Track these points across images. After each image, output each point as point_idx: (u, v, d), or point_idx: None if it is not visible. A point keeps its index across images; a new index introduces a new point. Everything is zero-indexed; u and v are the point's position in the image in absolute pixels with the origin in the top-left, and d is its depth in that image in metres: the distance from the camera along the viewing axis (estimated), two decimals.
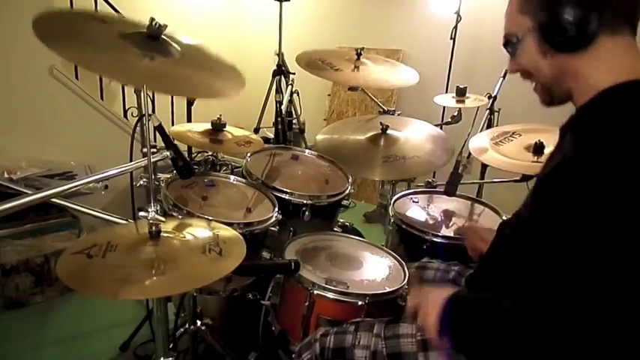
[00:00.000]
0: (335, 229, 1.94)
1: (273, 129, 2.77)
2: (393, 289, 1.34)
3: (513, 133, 1.85)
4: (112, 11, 3.16)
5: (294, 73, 3.07)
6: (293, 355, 1.23)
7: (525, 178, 1.74)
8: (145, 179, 1.63)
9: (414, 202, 1.91)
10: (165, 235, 1.10)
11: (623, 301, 0.68)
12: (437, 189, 1.97)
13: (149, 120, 1.25)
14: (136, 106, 1.59)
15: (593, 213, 0.69)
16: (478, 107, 2.47)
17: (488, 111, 2.43)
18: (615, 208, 0.68)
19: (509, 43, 0.92)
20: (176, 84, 1.26)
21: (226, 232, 1.21)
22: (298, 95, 3.22)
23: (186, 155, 1.80)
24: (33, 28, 1.04)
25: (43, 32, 1.06)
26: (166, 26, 1.26)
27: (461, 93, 2.51)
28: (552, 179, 0.78)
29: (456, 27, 3.20)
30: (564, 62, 0.85)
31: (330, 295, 1.31)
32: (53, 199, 1.16)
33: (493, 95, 2.43)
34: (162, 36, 1.27)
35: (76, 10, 1.20)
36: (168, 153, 1.29)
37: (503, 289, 0.86)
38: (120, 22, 1.32)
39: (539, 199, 0.81)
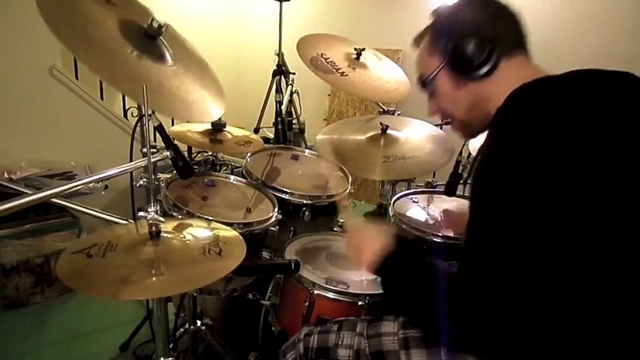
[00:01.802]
0: (335, 229, 1.94)
1: (273, 129, 2.77)
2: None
3: None
4: None
5: (294, 73, 3.07)
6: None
7: None
8: (145, 179, 1.63)
9: (414, 202, 1.90)
10: (165, 235, 1.10)
11: (548, 265, 0.77)
12: (437, 189, 1.97)
13: (149, 120, 1.25)
14: (136, 106, 1.59)
15: (512, 184, 0.78)
16: None
17: None
18: (529, 176, 0.77)
19: (425, 84, 1.02)
20: (157, 96, 1.22)
21: (226, 232, 1.21)
22: (298, 95, 3.22)
23: (186, 155, 1.80)
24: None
25: (46, 9, 1.05)
26: (166, 26, 1.26)
27: None
28: (482, 171, 0.86)
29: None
30: (477, 89, 0.96)
31: (331, 295, 1.31)
32: (53, 199, 1.16)
33: None
34: (161, 38, 1.26)
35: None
36: (168, 153, 1.29)
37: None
38: (125, 8, 1.31)
39: (474, 188, 0.89)
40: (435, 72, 0.99)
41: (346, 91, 2.04)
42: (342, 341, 1.08)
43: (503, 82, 0.92)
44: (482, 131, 0.99)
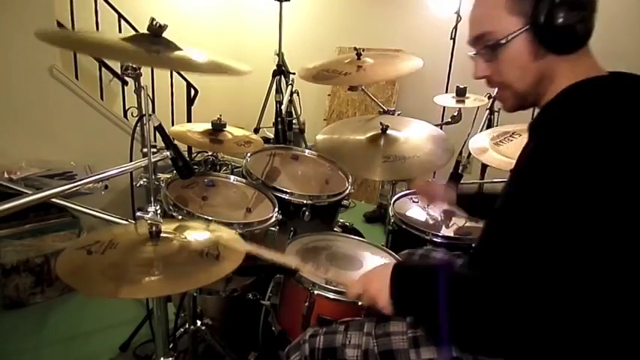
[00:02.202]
0: (335, 229, 1.94)
1: (273, 129, 2.77)
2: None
3: (513, 133, 1.85)
4: (113, 12, 3.17)
5: (294, 73, 3.08)
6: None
7: None
8: (145, 179, 1.63)
9: (414, 202, 1.91)
10: (165, 235, 1.10)
11: (579, 279, 0.73)
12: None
13: (149, 120, 1.25)
14: (136, 106, 1.59)
15: (557, 196, 0.74)
16: (478, 107, 2.47)
17: (488, 111, 2.43)
18: (576, 190, 0.72)
19: (490, 43, 0.89)
20: (187, 62, 1.26)
21: (226, 232, 1.21)
22: (298, 95, 3.22)
23: (186, 155, 1.80)
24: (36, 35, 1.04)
25: (47, 38, 1.06)
26: (166, 26, 1.26)
27: (461, 93, 2.51)
28: (523, 171, 0.82)
29: (456, 27, 3.20)
30: (552, 65, 0.86)
31: (330, 295, 1.31)
32: (53, 199, 1.16)
33: (493, 95, 2.43)
34: (164, 36, 1.27)
35: (78, 31, 1.19)
36: (168, 153, 1.29)
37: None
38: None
39: (512, 186, 0.86)
40: (514, 35, 0.85)
41: (353, 83, 2.03)
42: (350, 341, 1.07)
43: (578, 64, 0.85)
44: (528, 108, 0.93)
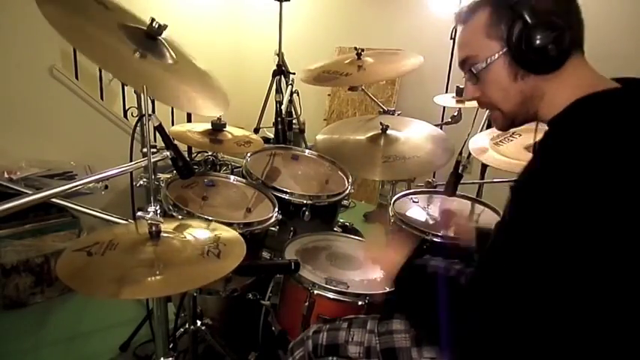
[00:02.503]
0: (335, 229, 1.94)
1: (273, 129, 2.77)
2: (393, 288, 1.34)
3: (513, 133, 1.85)
4: None
5: (294, 73, 3.08)
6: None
7: None
8: (145, 179, 1.63)
9: (414, 202, 1.90)
10: (165, 235, 1.10)
11: (566, 304, 0.74)
12: (437, 189, 1.97)
13: (149, 120, 1.25)
14: (136, 106, 1.59)
15: (552, 219, 0.72)
16: (478, 107, 2.47)
17: (488, 111, 2.42)
18: (572, 215, 0.71)
19: (472, 68, 0.91)
20: (160, 88, 1.25)
21: (226, 232, 1.20)
22: (298, 95, 3.22)
23: (186, 155, 1.80)
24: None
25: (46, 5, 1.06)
26: (166, 26, 1.26)
27: (461, 93, 2.51)
28: (522, 189, 0.80)
29: (456, 27, 3.19)
30: (534, 84, 0.86)
31: (330, 295, 1.31)
32: (53, 199, 1.16)
33: None
34: (160, 38, 1.26)
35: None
36: (168, 153, 1.29)
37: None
38: (121, 13, 1.32)
39: (512, 205, 0.83)
40: (492, 59, 0.87)
41: (354, 83, 2.03)
42: (353, 338, 1.09)
43: (564, 81, 0.85)
44: (521, 125, 0.94)
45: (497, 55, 0.86)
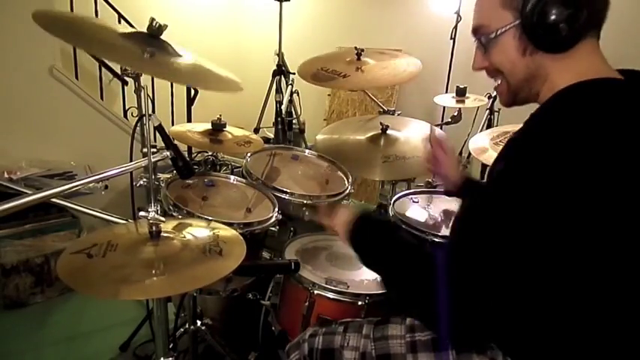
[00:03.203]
0: None
1: (273, 129, 2.77)
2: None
3: (513, 133, 1.85)
4: (112, 11, 3.17)
5: (294, 73, 3.08)
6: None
7: None
8: (145, 179, 1.63)
9: (414, 202, 1.90)
10: (165, 235, 1.10)
11: (537, 276, 0.74)
12: (437, 189, 1.97)
13: (149, 120, 1.25)
14: (136, 106, 1.59)
15: (531, 197, 0.73)
16: (478, 107, 2.47)
17: (488, 111, 2.43)
18: (550, 195, 0.72)
19: (483, 36, 0.90)
20: (176, 73, 1.26)
21: (226, 232, 1.21)
22: (298, 95, 3.22)
23: (186, 155, 1.80)
24: (33, 18, 1.03)
25: (44, 23, 1.06)
26: (166, 26, 1.26)
27: (461, 93, 2.51)
28: (502, 172, 0.80)
29: (456, 27, 3.20)
30: (542, 63, 0.85)
31: (330, 295, 1.31)
32: (53, 199, 1.16)
33: (493, 95, 2.44)
34: (162, 38, 1.26)
35: (75, 14, 1.20)
36: (168, 153, 1.29)
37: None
38: (119, 30, 1.33)
39: (494, 184, 0.85)
40: (503, 30, 0.85)
41: (351, 88, 2.02)
42: (348, 343, 1.07)
43: (571, 64, 0.83)
44: (522, 104, 0.93)
45: (508, 26, 0.85)
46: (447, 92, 3.06)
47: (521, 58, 0.86)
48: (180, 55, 1.29)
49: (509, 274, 0.75)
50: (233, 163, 2.66)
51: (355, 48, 1.97)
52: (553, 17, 0.79)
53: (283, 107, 2.83)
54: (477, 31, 0.92)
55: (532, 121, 0.85)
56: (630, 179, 0.72)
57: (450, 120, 2.43)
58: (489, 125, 2.42)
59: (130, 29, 1.28)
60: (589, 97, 0.79)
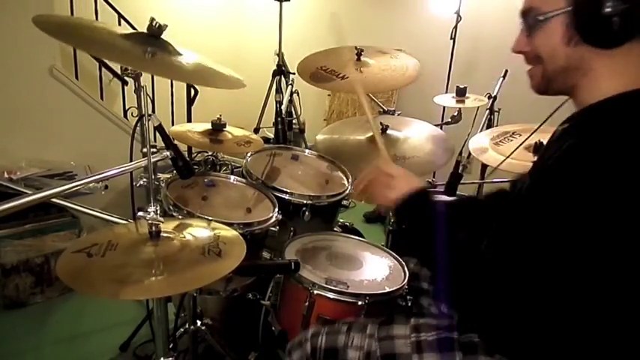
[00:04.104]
0: (335, 229, 1.94)
1: (273, 129, 2.77)
2: (393, 289, 1.34)
3: (513, 133, 1.85)
4: (113, 12, 3.17)
5: (294, 73, 3.08)
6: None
7: None
8: (145, 179, 1.63)
9: None
10: (165, 235, 1.10)
11: (580, 286, 0.73)
12: (437, 189, 1.97)
13: (149, 120, 1.25)
14: (136, 106, 1.59)
15: (582, 203, 0.71)
16: (478, 107, 2.47)
17: (488, 111, 2.43)
18: (602, 204, 0.70)
19: (531, 18, 0.86)
20: (178, 71, 1.26)
21: (226, 232, 1.21)
22: (298, 95, 3.22)
23: (186, 155, 1.80)
24: (33, 22, 1.03)
25: (44, 26, 1.06)
26: (166, 26, 1.26)
27: (461, 93, 2.51)
28: (553, 169, 0.79)
29: (456, 27, 3.20)
30: (585, 56, 0.82)
31: (330, 295, 1.31)
32: (53, 199, 1.16)
33: (493, 95, 2.44)
34: (162, 38, 1.27)
35: (76, 17, 1.21)
36: (168, 153, 1.29)
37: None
38: (115, 29, 1.33)
39: (539, 184, 0.83)
40: (552, 14, 0.82)
41: (349, 91, 2.01)
42: (352, 342, 1.07)
43: (615, 64, 0.80)
44: (554, 94, 0.91)
45: (559, 12, 0.81)
46: (446, 92, 3.06)
47: (564, 47, 0.83)
48: (180, 54, 1.29)
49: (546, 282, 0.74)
50: (233, 163, 2.66)
51: (355, 48, 1.97)
52: (607, 10, 0.76)
53: (283, 107, 2.83)
54: (526, 12, 0.88)
55: (582, 126, 0.82)
56: None
57: (449, 120, 2.43)
58: (489, 125, 2.42)
59: (130, 30, 1.28)
60: (635, 115, 0.77)
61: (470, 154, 1.81)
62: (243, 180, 1.81)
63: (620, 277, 0.72)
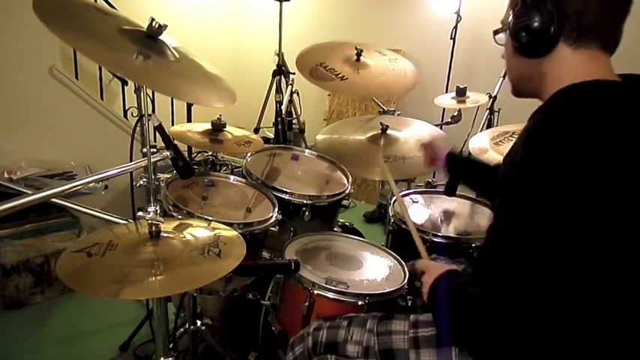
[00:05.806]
0: (335, 229, 1.94)
1: (273, 129, 2.77)
2: (393, 289, 1.34)
3: (513, 133, 1.85)
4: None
5: (294, 73, 3.08)
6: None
7: None
8: (145, 179, 1.63)
9: (413, 202, 1.90)
10: (165, 235, 1.10)
11: (575, 286, 0.73)
12: (437, 189, 1.97)
13: (149, 120, 1.25)
14: (136, 106, 1.59)
15: (541, 207, 0.73)
16: (478, 107, 2.47)
17: (488, 111, 2.43)
18: (559, 202, 0.72)
19: (495, 33, 0.95)
20: (168, 84, 1.25)
21: (226, 232, 1.21)
22: (298, 95, 3.22)
23: (186, 155, 1.80)
24: (33, 7, 1.02)
25: (44, 13, 1.05)
26: (166, 26, 1.25)
27: (461, 93, 2.51)
28: (508, 176, 0.82)
29: (456, 27, 3.20)
30: (532, 63, 0.88)
31: (330, 295, 1.31)
32: (53, 199, 1.16)
33: (493, 95, 2.44)
34: (160, 38, 1.26)
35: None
36: (168, 153, 1.29)
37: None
38: (121, 19, 1.32)
39: (502, 193, 0.84)
40: (501, 30, 0.92)
41: (347, 93, 2.01)
42: (352, 337, 1.09)
43: (557, 66, 0.85)
44: (528, 97, 0.95)
45: (504, 28, 0.90)
46: (446, 92, 3.06)
47: (513, 57, 0.91)
48: (176, 59, 1.28)
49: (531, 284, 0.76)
50: (233, 163, 2.66)
51: (355, 47, 1.97)
52: (523, 23, 0.83)
53: (283, 107, 2.82)
54: (502, 23, 0.95)
55: (529, 122, 0.86)
56: (627, 178, 0.72)
57: (449, 120, 2.43)
58: (489, 125, 2.42)
59: (129, 27, 1.27)
60: (582, 97, 0.80)
61: (470, 154, 1.81)
62: (243, 180, 1.82)
63: (601, 260, 0.73)
